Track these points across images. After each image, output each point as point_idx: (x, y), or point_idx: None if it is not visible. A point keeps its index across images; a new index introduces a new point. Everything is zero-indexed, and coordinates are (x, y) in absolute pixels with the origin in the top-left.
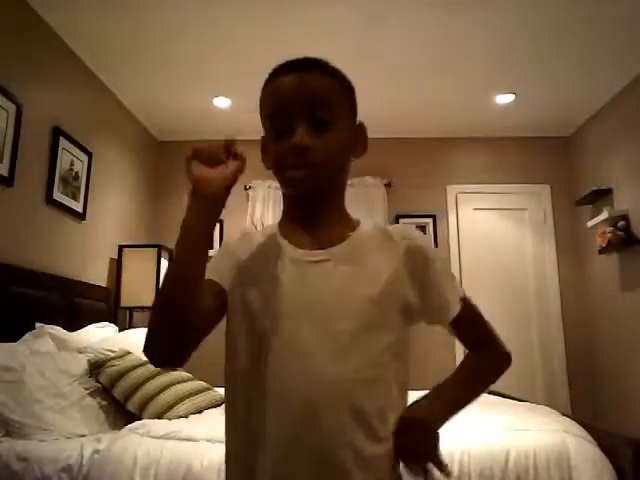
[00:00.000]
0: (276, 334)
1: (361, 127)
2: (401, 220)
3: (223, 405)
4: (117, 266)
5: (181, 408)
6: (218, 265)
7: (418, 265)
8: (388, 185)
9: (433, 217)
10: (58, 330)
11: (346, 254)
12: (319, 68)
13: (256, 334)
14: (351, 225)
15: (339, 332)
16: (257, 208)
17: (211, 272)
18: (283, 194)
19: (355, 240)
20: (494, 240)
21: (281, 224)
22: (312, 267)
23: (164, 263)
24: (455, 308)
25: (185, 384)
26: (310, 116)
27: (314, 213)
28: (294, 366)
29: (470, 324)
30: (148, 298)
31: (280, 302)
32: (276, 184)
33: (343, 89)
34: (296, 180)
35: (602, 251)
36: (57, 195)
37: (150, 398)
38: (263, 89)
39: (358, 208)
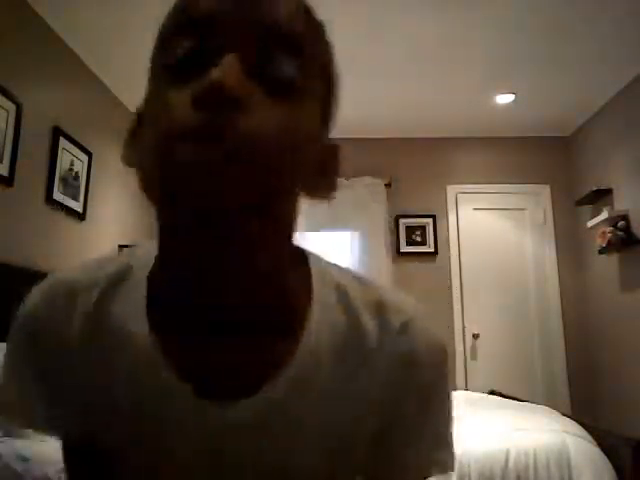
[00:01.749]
0: None
1: (335, 150)
2: (401, 220)
3: None
4: None
5: None
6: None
7: (393, 398)
8: (388, 185)
9: (433, 217)
10: None
11: (286, 398)
12: None
13: None
14: (297, 292)
15: None
16: None
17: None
18: (159, 221)
19: (305, 359)
20: (494, 240)
21: (154, 290)
22: (228, 432)
23: None
24: (389, 474)
25: None
26: (261, 46)
27: (225, 267)
28: None
29: None
30: None
31: None
32: None
33: (325, 46)
34: (196, 165)
35: (602, 251)
36: (57, 195)
37: None
38: None
39: (358, 208)
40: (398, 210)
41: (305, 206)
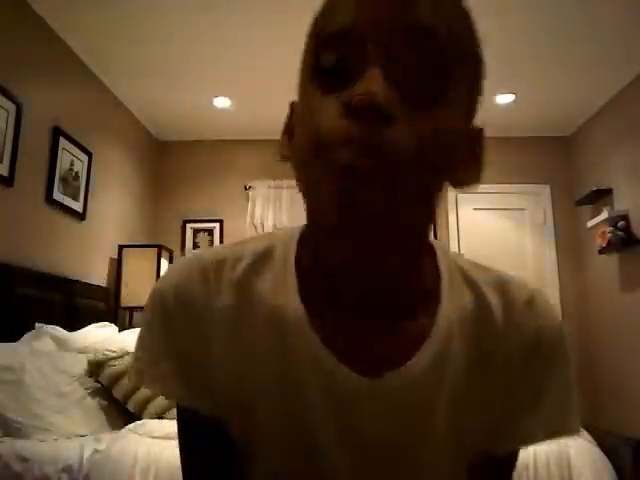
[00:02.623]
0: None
1: (480, 134)
2: None
3: None
4: (117, 266)
5: None
6: (189, 371)
7: (525, 373)
8: None
9: None
10: (58, 330)
11: (428, 371)
12: None
13: None
14: (429, 277)
15: None
16: (257, 208)
17: (195, 395)
18: (310, 219)
19: (442, 331)
20: (494, 240)
21: (301, 267)
22: (371, 405)
23: (164, 263)
24: (510, 445)
25: None
26: (408, 57)
27: (380, 271)
28: None
29: None
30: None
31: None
32: (277, 182)
33: (475, 48)
34: (354, 176)
35: (602, 251)
36: (57, 195)
37: (150, 398)
38: None
39: None
40: None
41: (304, 207)
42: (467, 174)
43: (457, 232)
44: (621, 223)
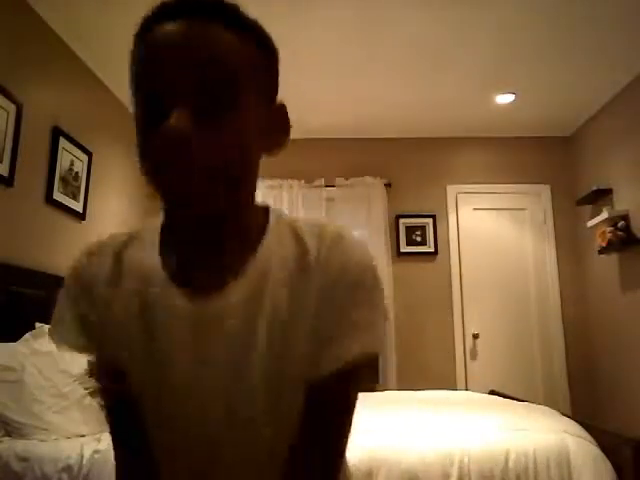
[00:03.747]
0: (170, 436)
1: (281, 109)
2: (401, 220)
3: None
4: None
5: None
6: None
7: (333, 299)
8: (388, 185)
9: (433, 217)
10: None
11: (245, 300)
12: (223, 15)
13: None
14: (255, 233)
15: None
16: None
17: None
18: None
19: (258, 268)
20: (494, 240)
21: (162, 239)
22: (204, 325)
23: None
24: (330, 365)
25: None
26: (200, 93)
27: (208, 239)
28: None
29: (317, 418)
30: None
31: (170, 390)
32: (276, 182)
33: (257, 52)
34: (176, 195)
35: (602, 251)
36: (57, 195)
37: None
38: (135, 38)
39: (358, 208)
40: (398, 210)
41: (306, 207)
42: (277, 140)
43: (457, 232)
44: (621, 223)
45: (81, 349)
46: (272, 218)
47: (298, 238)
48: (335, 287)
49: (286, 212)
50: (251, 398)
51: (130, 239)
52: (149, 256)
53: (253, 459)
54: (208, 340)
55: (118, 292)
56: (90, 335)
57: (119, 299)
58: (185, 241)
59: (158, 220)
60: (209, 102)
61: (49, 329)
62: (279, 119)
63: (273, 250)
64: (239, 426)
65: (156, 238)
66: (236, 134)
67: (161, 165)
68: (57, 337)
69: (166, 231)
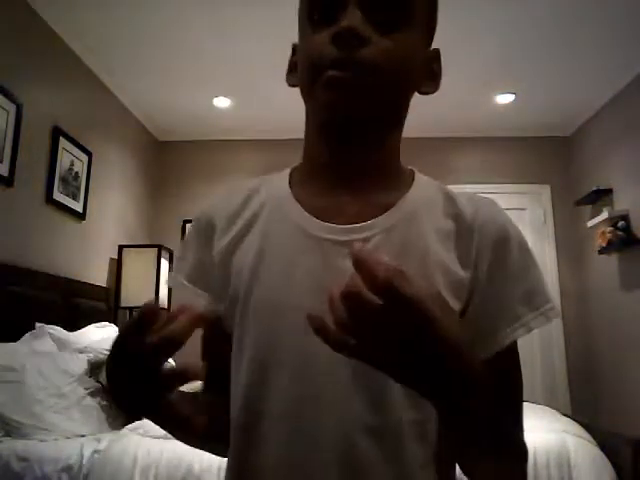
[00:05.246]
0: (288, 355)
1: (437, 55)
2: None
3: None
4: (117, 266)
5: None
6: (200, 273)
7: (489, 262)
8: None
9: None
10: (58, 330)
11: (394, 231)
12: None
13: (258, 356)
14: (402, 181)
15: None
16: None
17: (199, 289)
18: (307, 126)
19: (407, 207)
20: None
21: (295, 177)
22: (341, 251)
23: (164, 263)
24: (504, 340)
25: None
26: (375, 1)
27: (352, 155)
28: (322, 411)
29: (503, 376)
30: (148, 298)
31: (292, 308)
32: None
33: None
34: (337, 85)
35: (602, 251)
36: (57, 195)
37: None
38: None
39: None
40: None
41: None
42: (428, 84)
43: None
44: (621, 223)
45: (193, 288)
46: (417, 174)
47: (449, 197)
48: (500, 248)
49: None
50: None
51: (261, 181)
52: (279, 190)
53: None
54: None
55: (232, 235)
56: (198, 279)
57: (243, 229)
58: (325, 160)
59: (285, 170)
60: (384, 10)
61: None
62: (433, 64)
63: (422, 194)
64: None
65: (286, 178)
66: (407, 48)
67: (333, 56)
68: (173, 276)
69: (300, 170)
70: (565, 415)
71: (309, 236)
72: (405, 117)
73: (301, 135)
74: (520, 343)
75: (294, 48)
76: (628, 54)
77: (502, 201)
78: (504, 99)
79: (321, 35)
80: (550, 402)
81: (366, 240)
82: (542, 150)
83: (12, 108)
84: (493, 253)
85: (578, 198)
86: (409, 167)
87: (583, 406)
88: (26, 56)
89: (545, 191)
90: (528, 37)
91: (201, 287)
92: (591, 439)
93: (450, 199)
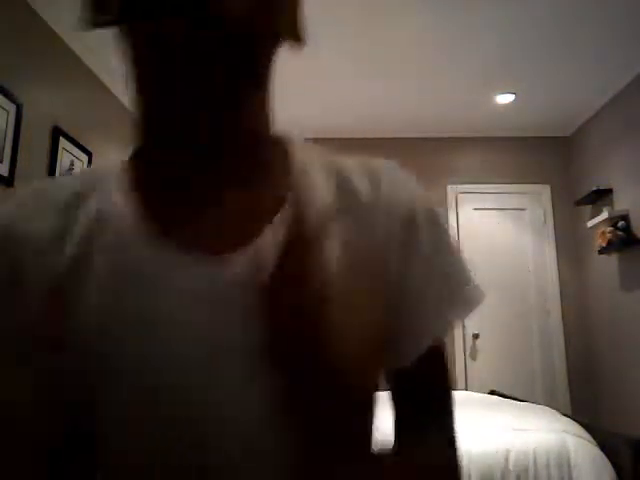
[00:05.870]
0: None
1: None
2: None
3: None
4: None
5: None
6: None
7: (393, 253)
8: None
9: None
10: None
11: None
12: None
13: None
14: (278, 161)
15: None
16: None
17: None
18: (135, 80)
19: (289, 217)
20: (494, 240)
21: (135, 168)
22: (204, 292)
23: None
24: (422, 341)
25: None
26: None
27: (212, 124)
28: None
29: (426, 383)
30: None
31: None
32: None
33: None
34: (193, 47)
35: (602, 251)
36: None
37: None
38: None
39: None
40: None
41: None
42: (293, 32)
43: (457, 232)
44: (621, 223)
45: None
46: (297, 144)
47: (341, 176)
48: (406, 232)
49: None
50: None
51: (87, 179)
52: (116, 199)
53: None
54: (225, 322)
55: (65, 259)
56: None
57: (69, 267)
58: (177, 156)
59: (117, 159)
60: None
61: None
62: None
63: (308, 183)
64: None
65: (121, 175)
66: None
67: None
68: None
69: (140, 156)
70: (565, 415)
71: (166, 270)
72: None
73: (302, 134)
74: (520, 343)
75: None
76: (628, 54)
77: (502, 201)
78: (504, 99)
79: None
80: (550, 402)
81: (236, 277)
82: (542, 150)
83: (12, 108)
84: (399, 241)
85: (578, 198)
86: (278, 133)
87: (583, 406)
88: (26, 56)
89: (545, 191)
90: (528, 37)
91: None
92: (591, 439)
93: (343, 179)
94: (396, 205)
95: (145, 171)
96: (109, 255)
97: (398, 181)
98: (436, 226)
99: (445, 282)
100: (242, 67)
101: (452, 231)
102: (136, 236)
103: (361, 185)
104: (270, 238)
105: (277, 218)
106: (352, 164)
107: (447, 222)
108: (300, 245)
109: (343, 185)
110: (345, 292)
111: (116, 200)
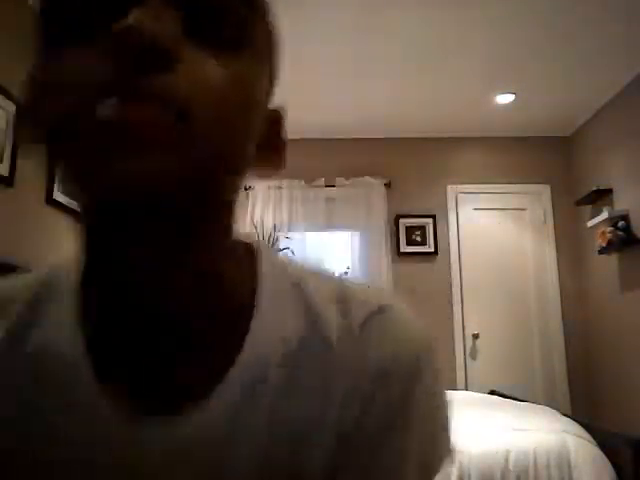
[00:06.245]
0: None
1: (279, 118)
2: (401, 220)
3: None
4: None
5: None
6: None
7: (356, 416)
8: (388, 185)
9: (433, 217)
10: None
11: (224, 420)
12: None
13: None
14: (240, 287)
15: None
16: (257, 209)
17: None
18: (80, 215)
19: (245, 376)
20: (494, 240)
21: (82, 295)
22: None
23: None
24: None
25: None
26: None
27: (166, 289)
28: None
29: None
30: None
31: None
32: (277, 182)
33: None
34: (120, 129)
35: (602, 251)
36: (57, 195)
37: None
38: None
39: (358, 208)
40: (398, 210)
41: (305, 208)
42: (268, 161)
43: (457, 232)
44: (621, 223)
45: None
46: (264, 263)
47: (310, 309)
48: (374, 397)
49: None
50: None
51: (30, 306)
52: (61, 339)
53: None
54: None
55: (7, 392)
56: None
57: (9, 402)
58: (129, 306)
59: (73, 265)
60: (210, 16)
61: None
62: (274, 129)
63: (271, 328)
64: None
65: (71, 303)
66: (248, 83)
67: (101, 85)
68: None
69: (90, 285)
70: (565, 415)
71: (106, 425)
72: (236, 200)
73: (302, 134)
74: (520, 343)
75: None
76: (628, 54)
77: (502, 201)
78: (504, 99)
79: (83, 52)
80: (550, 402)
81: (180, 450)
82: (542, 150)
83: (12, 108)
84: (361, 409)
85: (578, 198)
86: (244, 240)
87: (583, 405)
88: (26, 56)
89: (545, 191)
90: (528, 37)
91: None
92: (591, 439)
93: (313, 323)
94: (368, 365)
95: (97, 302)
96: (53, 400)
97: (379, 332)
98: (407, 392)
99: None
100: (192, 218)
101: (439, 391)
102: (83, 386)
103: (332, 334)
104: (222, 399)
105: (218, 391)
106: (328, 300)
107: (434, 374)
108: None
109: (310, 333)
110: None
111: (63, 335)
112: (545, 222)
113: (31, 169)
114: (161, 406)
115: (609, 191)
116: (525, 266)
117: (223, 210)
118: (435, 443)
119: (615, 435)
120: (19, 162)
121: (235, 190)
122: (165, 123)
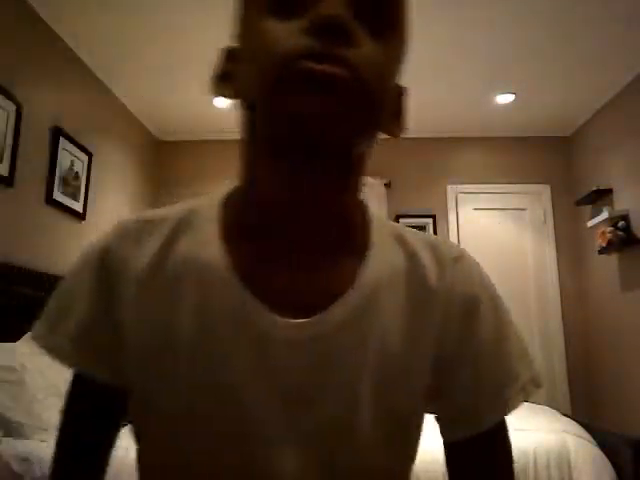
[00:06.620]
0: (244, 466)
1: (404, 90)
2: (401, 220)
3: None
4: None
5: None
6: (92, 336)
7: (459, 338)
8: (388, 185)
9: (433, 217)
10: None
11: (347, 328)
12: None
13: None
14: (360, 234)
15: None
16: None
17: (85, 357)
18: (249, 147)
19: (366, 287)
20: (494, 240)
21: (228, 217)
22: (291, 351)
23: None
24: (482, 423)
25: None
26: None
27: (313, 195)
28: None
29: (490, 461)
30: None
31: (240, 417)
32: None
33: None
34: (319, 82)
35: (602, 251)
36: (57, 195)
37: None
38: None
39: None
40: (398, 210)
41: None
42: (394, 125)
43: (457, 232)
44: (621, 223)
45: (75, 365)
46: (374, 220)
47: (407, 246)
48: (469, 319)
49: None
50: (357, 451)
51: (180, 224)
52: (207, 251)
53: None
54: (302, 370)
55: (159, 294)
56: (93, 346)
57: (161, 301)
58: (273, 216)
59: (218, 197)
60: (375, 4)
61: (40, 321)
62: (400, 99)
63: (383, 258)
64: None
65: (215, 221)
66: (395, 62)
67: (303, 50)
68: (44, 334)
69: (235, 208)
70: (565, 415)
71: (249, 324)
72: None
73: None
74: None
75: (229, 51)
76: (628, 54)
77: (502, 201)
78: (504, 99)
79: (288, 26)
80: (550, 402)
81: (314, 340)
82: (542, 150)
83: (12, 108)
84: (462, 325)
85: (578, 198)
86: (362, 203)
87: (583, 405)
88: (26, 56)
89: (545, 191)
90: (528, 37)
91: (91, 357)
92: (591, 439)
93: (413, 258)
94: (459, 294)
95: (239, 219)
96: (196, 299)
97: (463, 270)
98: (498, 313)
99: (504, 365)
100: (339, 167)
101: (508, 316)
102: (221, 286)
103: (429, 268)
104: (339, 310)
105: (338, 303)
106: (422, 245)
107: (507, 309)
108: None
109: (411, 265)
110: (395, 365)
111: (207, 246)
112: (545, 222)
113: (31, 169)
114: (298, 311)
115: (609, 191)
116: (525, 266)
117: (363, 164)
118: (525, 347)
119: (615, 435)
120: (19, 162)
121: (372, 145)
122: (346, 79)
